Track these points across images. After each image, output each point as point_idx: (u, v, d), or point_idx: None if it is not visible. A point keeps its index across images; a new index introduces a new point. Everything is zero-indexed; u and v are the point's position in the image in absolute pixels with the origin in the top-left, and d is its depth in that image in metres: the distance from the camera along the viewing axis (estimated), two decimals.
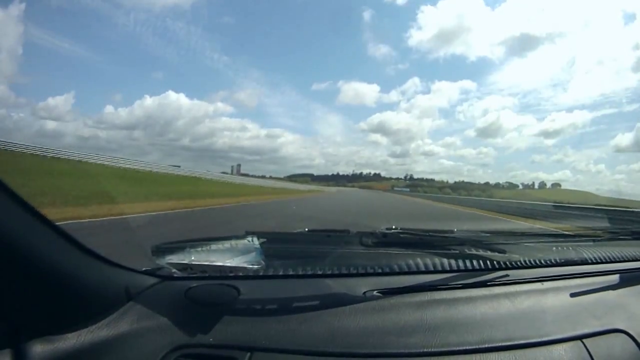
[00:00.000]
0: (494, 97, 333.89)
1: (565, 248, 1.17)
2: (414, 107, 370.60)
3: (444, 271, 0.93)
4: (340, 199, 25.91)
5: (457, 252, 0.99)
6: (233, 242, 0.87)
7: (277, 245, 1.00)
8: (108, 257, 0.72)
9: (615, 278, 1.03)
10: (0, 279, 0.53)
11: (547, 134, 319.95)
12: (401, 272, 0.92)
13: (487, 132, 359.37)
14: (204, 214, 9.85)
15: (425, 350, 0.70)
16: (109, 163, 26.17)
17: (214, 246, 0.86)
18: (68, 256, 0.64)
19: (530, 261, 1.02)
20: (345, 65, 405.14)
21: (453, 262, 0.95)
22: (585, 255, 1.10)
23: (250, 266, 0.81)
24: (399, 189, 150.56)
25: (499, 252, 1.02)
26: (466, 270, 0.94)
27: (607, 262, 1.10)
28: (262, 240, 0.88)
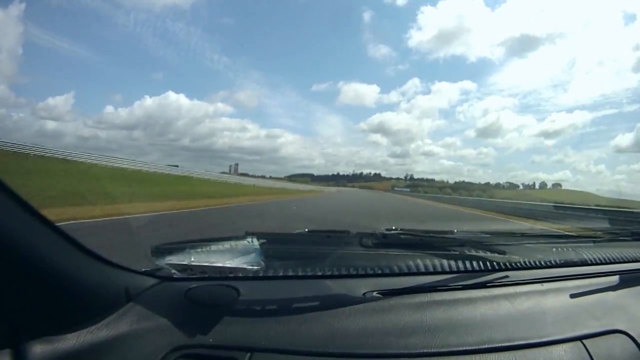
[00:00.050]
0: (494, 98, 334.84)
1: (565, 249, 1.17)
2: (414, 107, 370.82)
3: (443, 272, 0.93)
4: (340, 200, 25.78)
5: (457, 253, 0.99)
6: (233, 243, 0.87)
7: (277, 246, 1.00)
8: (108, 258, 0.72)
9: (615, 279, 1.03)
10: (0, 280, 0.54)
11: (547, 135, 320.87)
12: (401, 273, 0.92)
13: (487, 133, 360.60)
14: (194, 216, 9.07)
15: (425, 351, 0.70)
16: (105, 163, 25.64)
17: (213, 247, 0.86)
18: (68, 257, 0.64)
19: (530, 262, 1.02)
20: (345, 65, 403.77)
21: (453, 263, 0.95)
22: (585, 256, 1.10)
23: (250, 267, 0.81)
24: (399, 189, 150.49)
25: (499, 253, 1.02)
26: (466, 271, 0.94)
27: (607, 263, 1.11)
28: (261, 241, 0.88)
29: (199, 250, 0.85)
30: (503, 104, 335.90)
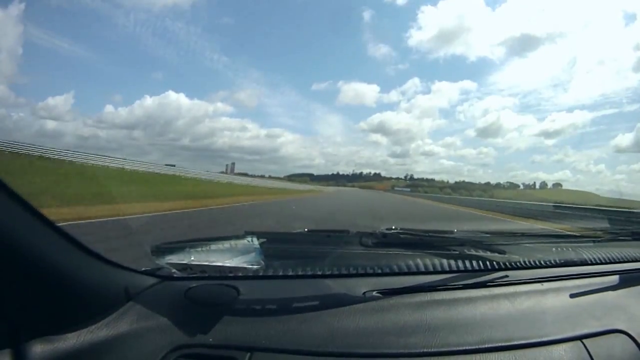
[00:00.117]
0: (494, 97, 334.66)
1: (565, 249, 1.17)
2: (414, 107, 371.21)
3: (443, 272, 0.93)
4: (340, 200, 25.58)
5: (457, 252, 0.99)
6: (233, 242, 0.88)
7: (277, 246, 1.00)
8: (108, 257, 0.72)
9: (615, 279, 1.03)
10: (0, 279, 0.54)
11: (547, 134, 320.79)
12: (401, 273, 0.92)
13: (487, 132, 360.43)
14: (176, 220, 7.64)
15: (425, 350, 0.70)
16: (102, 163, 25.17)
17: (213, 246, 0.86)
18: (68, 256, 0.64)
19: (530, 262, 1.02)
20: (345, 65, 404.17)
21: (453, 262, 0.95)
22: (585, 256, 1.10)
23: (250, 266, 0.81)
24: (400, 189, 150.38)
25: (499, 252, 1.02)
26: (466, 270, 0.94)
27: (606, 263, 1.11)
28: (261, 240, 0.88)
29: (199, 249, 0.85)
30: (503, 103, 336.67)
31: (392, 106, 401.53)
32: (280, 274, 0.89)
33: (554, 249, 1.16)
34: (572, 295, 0.92)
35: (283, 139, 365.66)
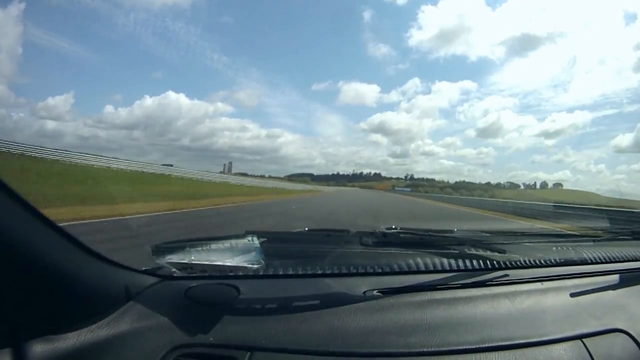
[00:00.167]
0: (495, 98, 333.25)
1: (565, 248, 1.17)
2: (414, 107, 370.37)
3: (444, 271, 0.93)
4: (340, 199, 25.52)
5: (457, 252, 1.00)
6: (233, 241, 0.88)
7: (277, 245, 1.01)
8: (108, 257, 0.72)
9: (615, 278, 1.03)
10: (0, 279, 0.54)
11: (547, 135, 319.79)
12: (401, 272, 0.92)
13: (487, 133, 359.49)
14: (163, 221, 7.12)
15: (425, 349, 0.70)
16: (99, 163, 24.78)
17: (213, 246, 0.86)
18: (68, 256, 0.64)
19: (530, 261, 1.02)
20: (345, 65, 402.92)
21: (453, 261, 0.95)
22: (585, 255, 1.10)
23: (250, 266, 0.82)
24: (400, 189, 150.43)
25: (499, 252, 1.02)
26: (466, 270, 0.94)
27: (607, 262, 1.11)
28: (262, 239, 0.89)
29: (199, 249, 0.85)
30: (503, 103, 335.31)
31: (392, 106, 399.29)
32: (281, 273, 0.89)
33: (554, 248, 1.16)
34: (572, 295, 0.92)
35: (283, 139, 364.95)
